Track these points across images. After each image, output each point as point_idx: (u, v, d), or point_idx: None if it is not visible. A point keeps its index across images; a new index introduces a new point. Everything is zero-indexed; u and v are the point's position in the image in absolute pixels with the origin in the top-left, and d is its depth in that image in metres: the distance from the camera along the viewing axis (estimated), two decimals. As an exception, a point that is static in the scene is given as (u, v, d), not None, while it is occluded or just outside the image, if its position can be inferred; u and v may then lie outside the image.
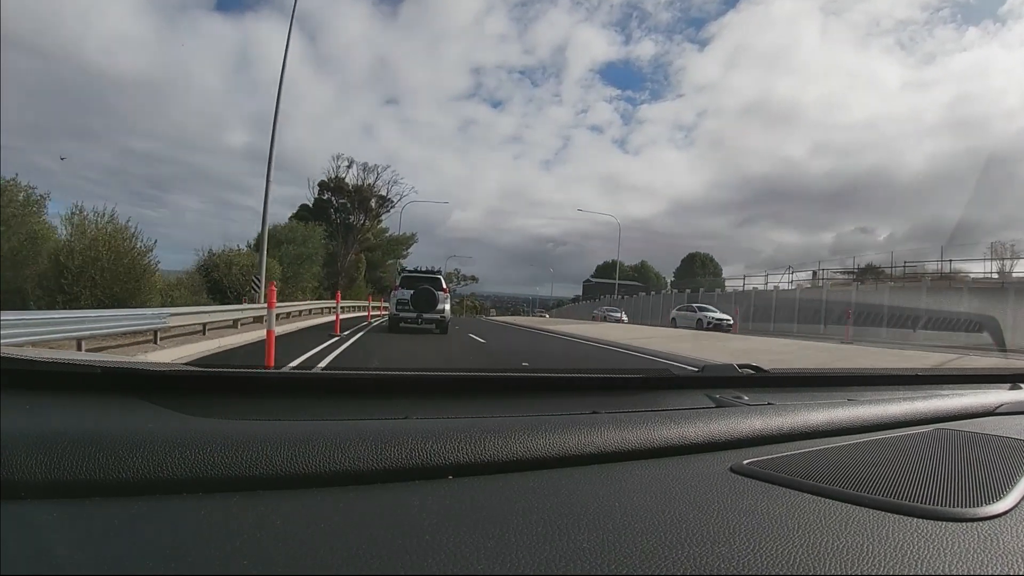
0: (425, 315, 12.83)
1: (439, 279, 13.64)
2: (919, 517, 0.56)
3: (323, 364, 7.36)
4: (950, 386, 1.34)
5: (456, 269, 72.01)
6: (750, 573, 0.44)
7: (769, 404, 0.91)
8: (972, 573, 0.47)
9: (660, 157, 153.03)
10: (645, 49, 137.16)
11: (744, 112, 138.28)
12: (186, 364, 0.89)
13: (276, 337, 7.08)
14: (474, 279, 76.93)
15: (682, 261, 74.54)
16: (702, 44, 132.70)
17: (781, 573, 0.44)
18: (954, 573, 0.46)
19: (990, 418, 1.06)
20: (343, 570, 0.40)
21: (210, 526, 0.45)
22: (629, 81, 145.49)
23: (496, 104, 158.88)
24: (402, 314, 12.94)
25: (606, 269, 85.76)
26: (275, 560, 0.41)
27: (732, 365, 1.18)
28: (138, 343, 7.82)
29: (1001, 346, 10.93)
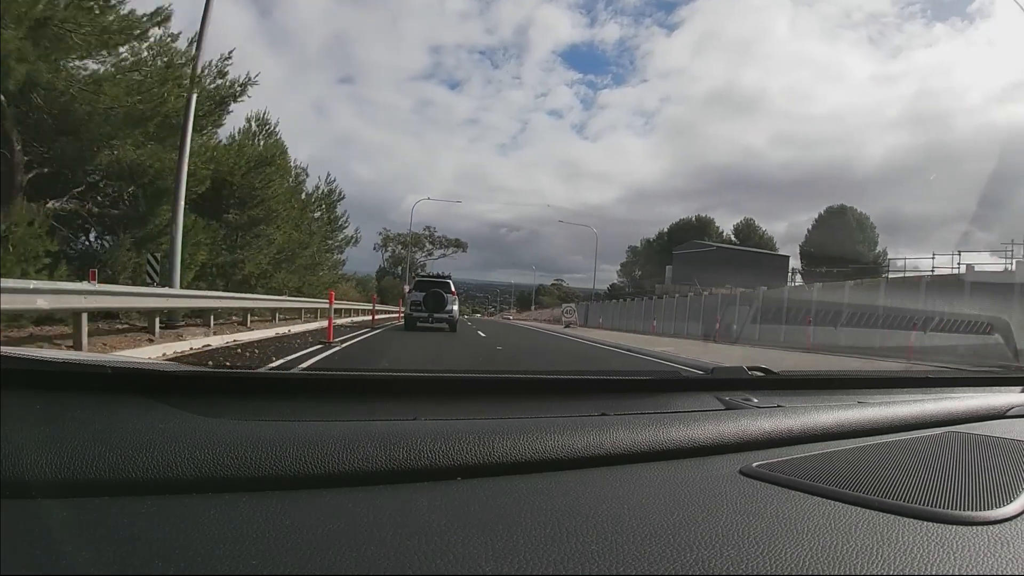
0: (435, 315, 14.35)
1: (448, 283, 15.18)
2: (928, 520, 0.55)
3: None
4: (960, 388, 1.33)
5: (429, 228, 50.77)
6: (759, 575, 0.44)
7: (779, 406, 0.90)
8: None
9: (619, 143, 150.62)
10: (611, 32, 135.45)
11: (709, 100, 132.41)
12: (195, 365, 0.89)
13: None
14: (458, 245, 54.00)
15: (819, 217, 44.34)
16: (671, 28, 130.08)
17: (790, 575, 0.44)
18: None
19: (1000, 421, 1.05)
20: (352, 571, 0.41)
21: (219, 526, 0.45)
22: (592, 65, 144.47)
23: (454, 85, 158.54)
24: (415, 314, 14.49)
25: (688, 230, 52.33)
26: (284, 560, 0.41)
27: (742, 367, 1.17)
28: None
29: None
